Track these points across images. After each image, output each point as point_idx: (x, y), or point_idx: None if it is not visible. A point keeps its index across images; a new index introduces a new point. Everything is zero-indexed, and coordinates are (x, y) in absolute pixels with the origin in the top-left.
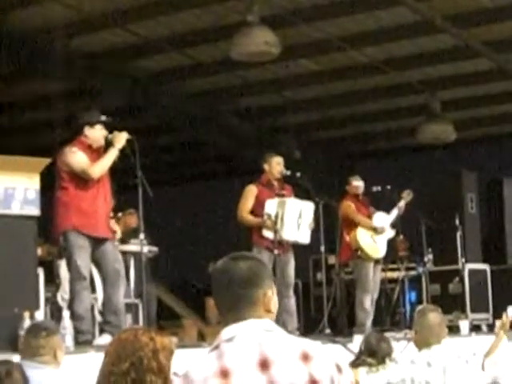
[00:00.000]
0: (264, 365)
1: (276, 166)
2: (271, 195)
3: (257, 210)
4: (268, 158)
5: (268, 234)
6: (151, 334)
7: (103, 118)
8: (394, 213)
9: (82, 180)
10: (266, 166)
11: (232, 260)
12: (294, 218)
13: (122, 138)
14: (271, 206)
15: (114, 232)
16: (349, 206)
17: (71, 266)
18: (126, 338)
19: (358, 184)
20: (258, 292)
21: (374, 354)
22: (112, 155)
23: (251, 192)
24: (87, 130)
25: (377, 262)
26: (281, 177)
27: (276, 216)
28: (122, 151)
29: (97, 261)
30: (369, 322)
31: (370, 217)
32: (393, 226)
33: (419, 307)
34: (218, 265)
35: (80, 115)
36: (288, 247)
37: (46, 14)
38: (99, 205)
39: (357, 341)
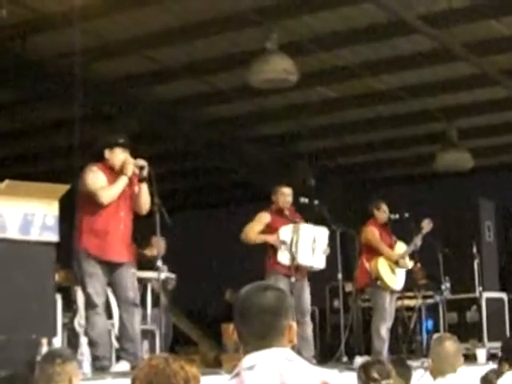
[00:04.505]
0: None
1: (281, 196)
2: (285, 222)
3: None
4: (277, 189)
5: (284, 259)
6: (181, 363)
7: (121, 140)
8: (411, 247)
9: (96, 202)
10: (273, 197)
11: (260, 289)
12: (309, 243)
13: (130, 166)
14: (286, 232)
15: (152, 252)
16: (373, 233)
17: (84, 293)
18: (157, 364)
19: (387, 210)
20: (286, 323)
21: None
22: (121, 183)
23: (264, 218)
24: (107, 154)
25: (393, 291)
26: (289, 207)
27: (291, 241)
28: (141, 178)
29: (112, 286)
30: (385, 350)
31: (392, 246)
32: (411, 255)
33: (436, 335)
34: (243, 293)
35: (99, 139)
36: (303, 274)
37: (64, 39)
38: (113, 228)
39: (357, 363)
